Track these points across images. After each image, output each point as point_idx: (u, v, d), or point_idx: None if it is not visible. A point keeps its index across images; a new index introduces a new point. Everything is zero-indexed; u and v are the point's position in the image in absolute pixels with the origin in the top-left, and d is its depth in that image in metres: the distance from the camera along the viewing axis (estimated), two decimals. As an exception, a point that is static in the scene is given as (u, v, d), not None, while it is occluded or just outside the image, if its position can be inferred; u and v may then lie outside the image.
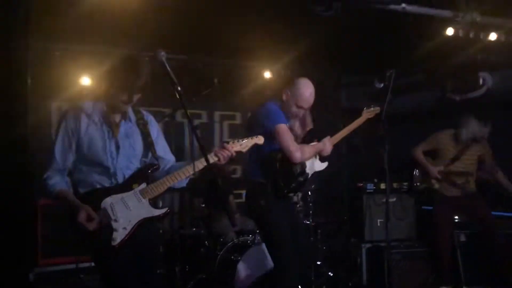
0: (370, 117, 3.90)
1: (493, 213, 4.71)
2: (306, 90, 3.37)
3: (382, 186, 5.21)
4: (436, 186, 4.75)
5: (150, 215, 2.58)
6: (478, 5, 4.15)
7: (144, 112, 2.78)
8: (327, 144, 3.58)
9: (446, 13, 4.18)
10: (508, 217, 4.82)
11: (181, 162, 2.83)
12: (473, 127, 4.53)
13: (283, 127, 3.25)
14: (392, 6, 3.92)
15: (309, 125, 3.63)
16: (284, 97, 3.41)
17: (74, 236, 2.49)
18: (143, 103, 2.73)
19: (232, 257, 4.22)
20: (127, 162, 2.62)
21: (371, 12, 4.07)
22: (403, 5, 3.93)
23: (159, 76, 2.32)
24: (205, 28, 4.70)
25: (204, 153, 2.33)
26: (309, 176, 3.56)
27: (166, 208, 2.63)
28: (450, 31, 4.29)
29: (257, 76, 6.09)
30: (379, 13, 4.03)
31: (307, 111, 3.53)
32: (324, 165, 3.72)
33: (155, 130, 2.80)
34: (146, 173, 2.65)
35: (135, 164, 2.66)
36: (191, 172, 2.61)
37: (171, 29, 4.51)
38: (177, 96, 2.28)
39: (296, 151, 3.27)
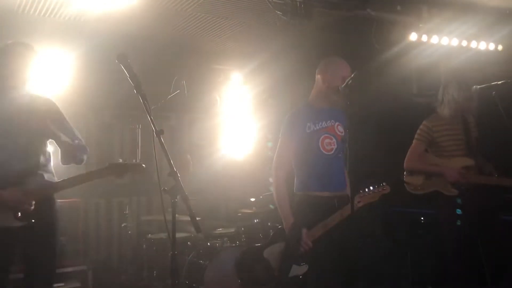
0: (372, 200, 2.99)
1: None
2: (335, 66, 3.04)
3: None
4: None
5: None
6: (440, 12, 4.27)
7: (44, 97, 2.73)
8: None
9: (409, 19, 4.28)
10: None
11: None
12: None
13: (281, 139, 3.05)
14: (357, 11, 3.98)
15: None
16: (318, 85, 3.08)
17: None
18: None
19: (201, 261, 4.18)
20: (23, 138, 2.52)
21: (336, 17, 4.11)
22: (368, 10, 4.00)
23: (124, 79, 2.27)
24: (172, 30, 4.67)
25: (169, 161, 2.12)
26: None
27: (25, 222, 2.45)
28: (413, 36, 4.40)
29: (225, 78, 6.08)
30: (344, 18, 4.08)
31: None
32: (302, 268, 2.92)
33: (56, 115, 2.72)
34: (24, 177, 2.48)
35: (25, 151, 2.55)
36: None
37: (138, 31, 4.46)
38: (141, 100, 2.20)
39: (275, 169, 2.99)
